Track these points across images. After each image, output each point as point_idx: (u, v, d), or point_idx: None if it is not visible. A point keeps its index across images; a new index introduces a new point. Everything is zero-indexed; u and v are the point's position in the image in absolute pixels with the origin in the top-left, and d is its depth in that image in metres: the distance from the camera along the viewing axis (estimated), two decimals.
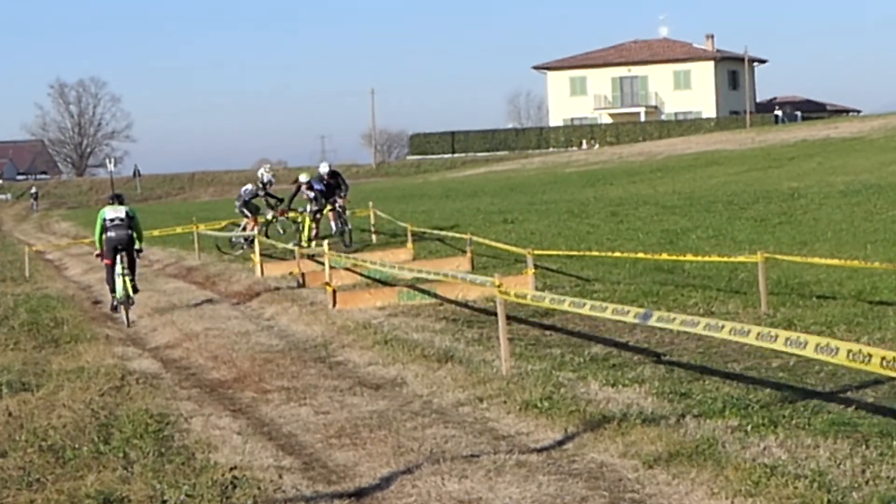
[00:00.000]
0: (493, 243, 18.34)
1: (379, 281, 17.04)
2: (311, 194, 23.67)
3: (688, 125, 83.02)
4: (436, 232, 22.28)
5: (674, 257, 15.25)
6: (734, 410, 8.09)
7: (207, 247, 25.98)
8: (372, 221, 25.97)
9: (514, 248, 17.06)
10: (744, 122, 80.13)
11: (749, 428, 7.63)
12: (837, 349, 6.53)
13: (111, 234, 15.80)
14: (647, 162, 53.14)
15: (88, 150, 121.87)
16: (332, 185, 23.81)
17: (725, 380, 9.22)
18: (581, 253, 17.27)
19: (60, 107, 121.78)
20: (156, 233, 28.50)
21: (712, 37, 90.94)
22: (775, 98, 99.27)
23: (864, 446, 7.07)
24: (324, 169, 24.41)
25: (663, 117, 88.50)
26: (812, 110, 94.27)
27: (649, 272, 15.86)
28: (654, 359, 10.35)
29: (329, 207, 23.69)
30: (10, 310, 17.88)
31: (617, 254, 16.22)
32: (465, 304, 14.67)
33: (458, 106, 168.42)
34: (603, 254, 16.76)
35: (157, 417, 9.29)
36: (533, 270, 15.14)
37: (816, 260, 13.71)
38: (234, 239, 25.54)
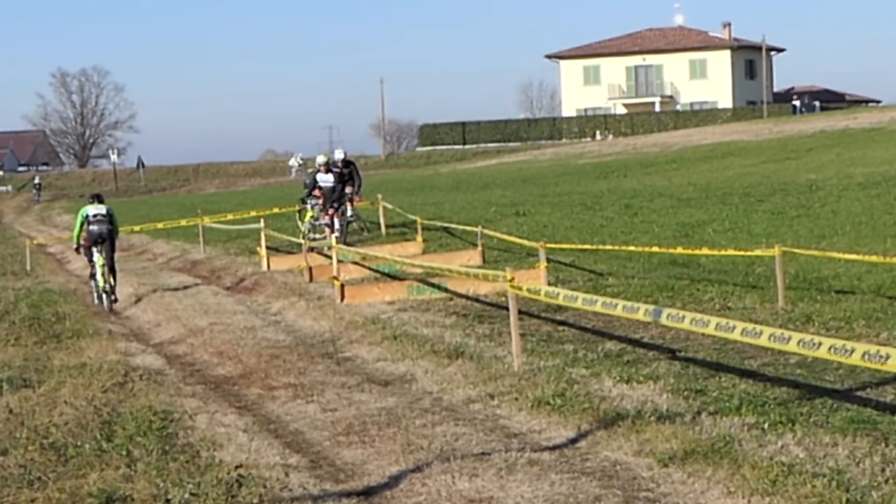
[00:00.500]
0: (505, 236, 18.19)
1: (388, 275, 16.90)
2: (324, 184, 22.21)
3: (704, 115, 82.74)
4: (446, 224, 22.13)
5: (689, 251, 15.11)
6: (751, 408, 8.01)
7: (212, 240, 25.87)
8: (381, 215, 25.79)
9: (526, 242, 16.91)
10: (761, 112, 79.79)
11: (766, 426, 7.56)
12: (853, 350, 6.38)
13: (93, 227, 17.32)
14: (661, 153, 52.99)
15: (91, 140, 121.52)
16: (342, 175, 22.43)
17: (741, 377, 9.13)
18: (594, 247, 17.13)
19: (62, 96, 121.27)
20: (160, 226, 28.41)
21: (729, 25, 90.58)
22: (793, 88, 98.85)
23: (883, 444, 7.00)
24: (338, 155, 23.25)
25: (679, 107, 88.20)
26: (831, 100, 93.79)
27: (664, 266, 15.72)
28: (669, 355, 10.25)
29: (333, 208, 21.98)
30: (11, 304, 17.85)
31: (631, 247, 16.09)
32: (476, 299, 14.53)
33: (468, 96, 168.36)
34: (617, 247, 16.63)
35: (160, 414, 9.23)
36: (545, 264, 14.98)
37: (835, 254, 13.56)
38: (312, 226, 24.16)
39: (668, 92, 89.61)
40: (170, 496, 7.00)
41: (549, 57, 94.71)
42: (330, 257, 17.09)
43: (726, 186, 29.69)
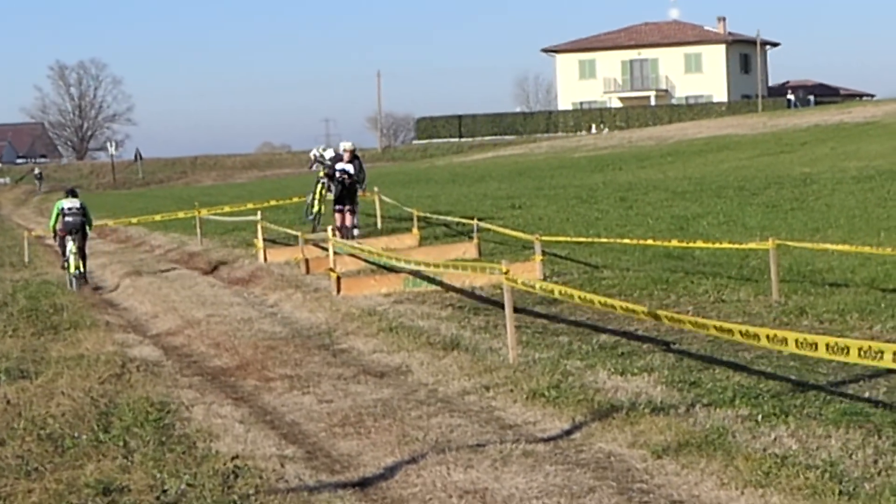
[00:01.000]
0: (501, 229, 18.21)
1: (384, 267, 16.91)
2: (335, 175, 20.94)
3: (699, 109, 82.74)
4: (442, 217, 22.13)
5: (684, 244, 15.12)
6: (744, 400, 8.03)
7: (209, 232, 25.86)
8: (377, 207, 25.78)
9: (521, 234, 16.93)
10: (755, 106, 79.76)
11: (759, 418, 7.57)
12: (847, 349, 6.39)
13: (68, 219, 19.37)
14: (657, 147, 52.97)
15: (89, 133, 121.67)
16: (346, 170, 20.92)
17: (735, 369, 9.15)
18: (590, 239, 17.14)
19: (60, 89, 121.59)
20: (157, 217, 28.35)
21: (724, 19, 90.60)
22: (788, 82, 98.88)
23: (876, 436, 7.02)
24: (346, 145, 21.70)
25: (674, 101, 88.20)
26: (825, 94, 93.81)
27: (659, 259, 15.74)
28: (664, 347, 10.27)
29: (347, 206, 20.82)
30: (9, 296, 17.84)
31: (626, 240, 16.10)
32: (471, 292, 14.55)
33: (465, 89, 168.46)
34: (612, 240, 16.65)
35: (157, 406, 9.24)
36: (541, 257, 15.01)
37: (829, 246, 13.58)
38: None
39: (663, 86, 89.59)
40: (166, 487, 7.01)
41: (545, 51, 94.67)
42: (326, 249, 17.10)
43: (721, 180, 29.71)
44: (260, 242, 20.60)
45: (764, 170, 33.13)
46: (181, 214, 27.86)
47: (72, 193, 20.20)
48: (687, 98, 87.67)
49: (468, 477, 7.02)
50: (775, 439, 7.12)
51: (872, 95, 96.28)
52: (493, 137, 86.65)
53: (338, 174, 20.89)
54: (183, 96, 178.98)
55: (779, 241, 12.83)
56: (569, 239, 17.26)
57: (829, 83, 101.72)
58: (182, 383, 10.43)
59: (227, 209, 28.01)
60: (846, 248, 13.36)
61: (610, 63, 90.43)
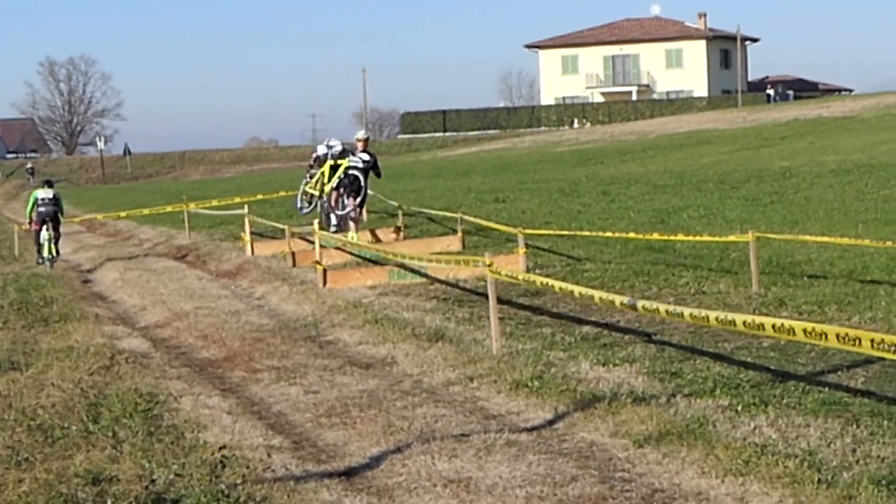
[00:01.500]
0: (484, 222, 18.29)
1: (369, 260, 16.99)
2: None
3: (679, 104, 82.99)
4: (426, 211, 22.19)
5: (665, 237, 15.22)
6: (725, 390, 8.09)
7: (197, 226, 25.89)
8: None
9: (504, 228, 17.01)
10: (735, 101, 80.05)
11: (739, 407, 7.64)
12: (825, 334, 6.45)
13: (42, 209, 21.06)
14: (638, 141, 53.09)
15: (78, 128, 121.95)
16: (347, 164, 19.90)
17: (716, 360, 9.22)
18: (572, 232, 17.23)
19: (50, 85, 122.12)
20: (146, 211, 28.38)
21: (704, 15, 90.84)
22: (767, 77, 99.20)
23: (854, 426, 7.07)
24: (360, 134, 20.95)
25: (655, 96, 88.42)
26: (804, 89, 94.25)
27: (640, 251, 15.85)
28: (645, 338, 10.34)
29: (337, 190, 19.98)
30: (0, 289, 17.81)
31: (608, 233, 16.19)
32: (455, 284, 14.64)
33: (449, 85, 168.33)
34: (594, 233, 16.74)
35: (146, 397, 9.25)
36: (524, 250, 15.11)
37: (808, 238, 13.70)
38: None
39: (644, 81, 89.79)
40: (155, 476, 7.03)
41: (528, 46, 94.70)
42: (312, 242, 17.17)
43: (701, 173, 29.82)
44: (247, 236, 20.63)
45: (744, 164, 33.27)
46: (169, 208, 27.87)
47: (48, 184, 21.81)
48: (668, 93, 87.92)
49: (452, 466, 7.07)
50: (755, 429, 7.18)
51: (851, 90, 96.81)
52: (477, 132, 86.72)
53: (361, 164, 19.91)
54: (171, 92, 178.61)
55: (758, 234, 12.92)
56: (552, 232, 17.36)
57: (808, 78, 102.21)
58: (170, 374, 10.46)
59: (214, 203, 28.02)
60: (825, 239, 13.49)
61: (592, 59, 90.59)
